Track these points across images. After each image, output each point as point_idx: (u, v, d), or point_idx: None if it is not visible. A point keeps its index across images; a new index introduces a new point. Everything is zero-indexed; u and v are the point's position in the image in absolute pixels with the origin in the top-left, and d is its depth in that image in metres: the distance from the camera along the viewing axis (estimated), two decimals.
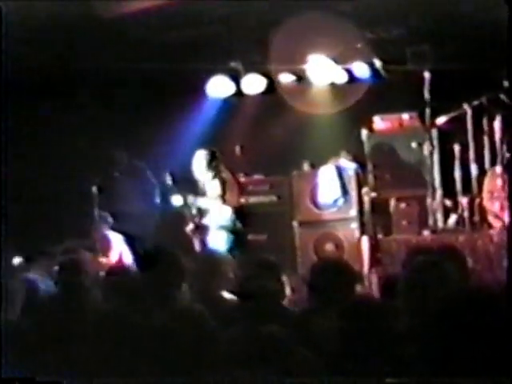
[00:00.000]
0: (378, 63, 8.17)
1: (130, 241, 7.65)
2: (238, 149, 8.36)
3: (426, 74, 7.73)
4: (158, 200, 8.44)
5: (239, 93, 8.73)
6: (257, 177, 8.67)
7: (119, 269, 5.51)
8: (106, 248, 7.59)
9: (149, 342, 3.16)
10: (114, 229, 7.76)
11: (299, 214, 8.40)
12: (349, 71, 8.37)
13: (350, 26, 7.31)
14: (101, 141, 8.45)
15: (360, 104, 8.19)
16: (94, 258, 6.98)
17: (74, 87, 8.33)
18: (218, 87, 8.70)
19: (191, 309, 3.30)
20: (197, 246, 7.48)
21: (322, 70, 8.39)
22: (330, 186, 8.25)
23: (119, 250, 7.58)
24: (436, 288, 3.17)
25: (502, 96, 7.38)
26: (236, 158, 8.30)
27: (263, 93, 8.62)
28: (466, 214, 7.62)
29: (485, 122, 7.64)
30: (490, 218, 7.47)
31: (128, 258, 7.35)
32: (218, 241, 7.37)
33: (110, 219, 7.85)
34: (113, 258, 7.47)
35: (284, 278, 4.49)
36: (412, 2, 7.28)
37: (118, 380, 3.06)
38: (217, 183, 7.58)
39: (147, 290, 4.25)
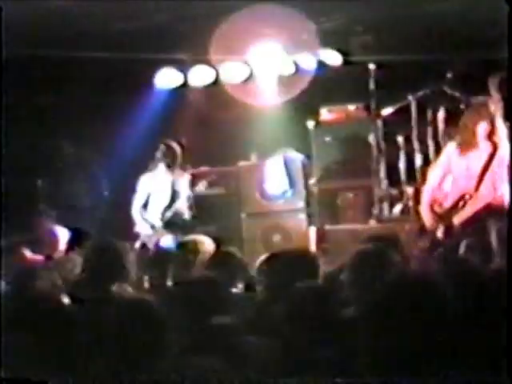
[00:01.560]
0: (323, 54, 8.22)
1: (76, 235, 7.58)
2: (184, 140, 8.34)
3: (371, 66, 7.83)
4: (105, 193, 8.39)
5: (187, 84, 8.71)
6: (204, 168, 8.68)
7: (65, 263, 5.47)
8: (51, 243, 7.51)
9: (96, 335, 3.16)
10: (60, 223, 7.67)
11: (247, 205, 8.44)
12: (295, 62, 8.41)
13: (297, 17, 7.35)
14: (47, 133, 8.35)
15: (306, 95, 8.25)
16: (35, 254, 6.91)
17: (19, 78, 8.21)
18: (166, 79, 8.67)
19: (139, 300, 3.30)
20: (150, 244, 7.43)
21: (269, 61, 8.42)
22: (278, 178, 8.30)
23: (65, 245, 7.51)
24: (380, 276, 3.24)
25: (446, 88, 7.52)
26: (183, 149, 8.29)
27: (211, 84, 8.61)
28: (410, 203, 7.75)
29: (429, 113, 7.78)
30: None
31: (73, 252, 7.28)
32: (168, 238, 7.34)
33: (55, 213, 7.76)
34: (59, 252, 7.40)
35: (235, 269, 4.52)
36: None
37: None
38: (169, 176, 7.56)
39: (92, 284, 4.24)
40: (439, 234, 6.03)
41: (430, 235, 6.06)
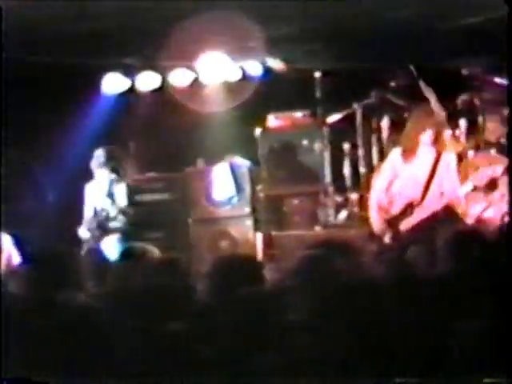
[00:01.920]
0: (270, 61, 8.28)
1: (19, 242, 7.47)
2: (131, 146, 8.31)
3: (317, 74, 7.93)
4: (49, 199, 8.29)
5: (134, 90, 8.67)
6: (150, 174, 8.65)
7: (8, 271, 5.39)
8: None
9: (44, 343, 3.14)
10: (2, 230, 7.55)
11: (194, 211, 8.44)
12: (242, 69, 8.44)
13: (245, 25, 7.38)
14: None
15: (254, 102, 8.29)
16: None
17: None
18: (113, 84, 8.62)
19: (86, 308, 3.29)
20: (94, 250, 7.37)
21: (216, 68, 8.44)
22: (224, 184, 8.32)
23: (8, 252, 7.39)
24: (325, 281, 3.29)
25: (390, 96, 7.65)
26: (130, 155, 8.26)
27: (158, 90, 8.58)
28: (355, 209, 7.86)
29: (373, 121, 7.90)
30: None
31: (16, 260, 7.18)
32: (111, 246, 7.29)
33: None
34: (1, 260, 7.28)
35: (180, 276, 4.51)
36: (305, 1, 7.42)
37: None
38: (111, 182, 7.52)
39: (37, 291, 4.19)
40: (387, 239, 6.12)
41: (377, 241, 6.15)
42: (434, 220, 5.97)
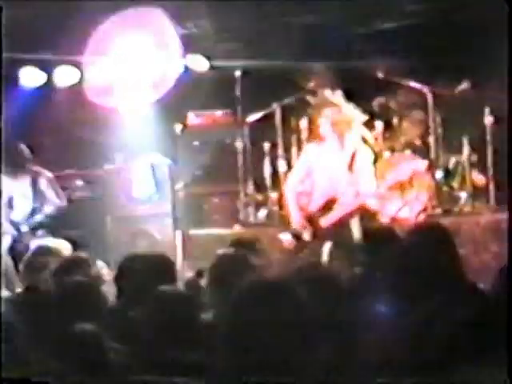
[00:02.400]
0: (190, 59, 8.25)
1: None
2: (49, 142, 8.16)
3: (237, 73, 7.95)
4: None
5: (51, 84, 8.51)
6: (69, 171, 8.50)
7: None
8: None
9: None
10: None
11: (112, 209, 8.34)
12: (162, 66, 8.37)
13: (164, 22, 7.35)
14: None
15: (174, 100, 8.25)
16: None
17: None
18: (29, 78, 8.44)
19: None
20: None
21: (136, 65, 8.35)
22: (144, 182, 8.25)
23: None
24: (239, 279, 3.30)
25: (308, 97, 7.74)
26: (47, 151, 8.10)
27: (76, 85, 8.44)
28: (275, 208, 7.92)
29: (293, 120, 7.98)
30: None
31: None
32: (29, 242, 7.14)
33: None
34: None
35: (99, 274, 4.46)
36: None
37: None
38: (27, 178, 7.37)
39: None
40: (306, 236, 6.18)
41: (296, 237, 6.20)
42: (350, 218, 6.06)
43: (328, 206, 6.14)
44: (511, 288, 3.18)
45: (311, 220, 6.21)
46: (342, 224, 6.06)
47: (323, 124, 6.25)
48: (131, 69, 8.34)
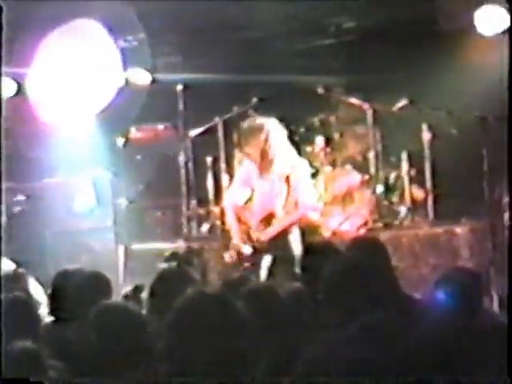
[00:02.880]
0: (132, 73, 8.21)
1: None
2: None
3: (179, 86, 7.95)
4: None
5: None
6: (8, 185, 8.37)
7: None
8: None
9: None
10: None
11: (53, 223, 8.23)
12: (103, 80, 8.30)
13: (105, 34, 7.32)
14: None
15: (116, 114, 8.21)
16: None
17: None
18: None
19: None
20: None
21: (75, 77, 8.27)
22: (85, 196, 8.18)
23: None
24: (178, 294, 3.29)
25: (251, 111, 7.78)
26: None
27: (14, 97, 8.32)
28: (217, 222, 7.92)
29: (235, 135, 8.01)
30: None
31: None
32: None
33: None
34: None
35: (38, 290, 4.39)
36: (165, 13, 7.44)
37: None
38: None
39: None
40: (246, 250, 6.19)
41: (236, 251, 6.21)
42: (290, 232, 6.10)
43: (267, 220, 6.17)
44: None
45: (252, 234, 6.24)
46: (282, 238, 6.10)
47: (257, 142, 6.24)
48: (71, 82, 8.26)
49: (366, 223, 7.62)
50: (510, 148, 5.38)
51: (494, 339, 2.87)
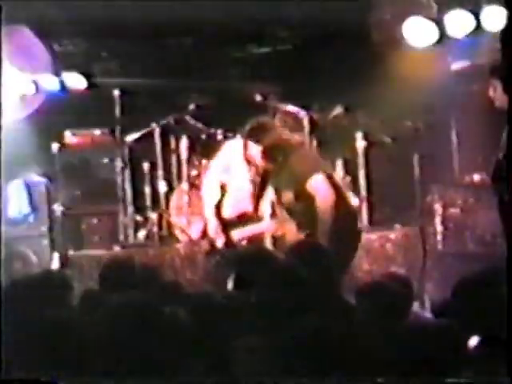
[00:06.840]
0: (67, 77, 8.13)
1: None
2: None
3: (116, 92, 7.92)
4: None
5: None
6: None
7: None
8: None
9: None
10: None
11: None
12: (36, 83, 8.18)
13: (37, 39, 7.25)
14: None
15: (50, 118, 8.12)
16: None
17: None
18: None
19: None
20: None
21: (6, 80, 8.14)
22: (19, 202, 8.06)
23: None
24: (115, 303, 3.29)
25: (188, 118, 7.80)
26: None
27: None
28: (155, 228, 7.91)
29: (172, 141, 8.01)
30: (177, 233, 7.84)
31: None
32: None
33: None
34: None
35: None
36: (101, 18, 7.40)
37: None
38: None
39: None
40: (219, 243, 6.21)
41: (209, 242, 6.22)
42: (263, 234, 6.13)
43: (243, 219, 6.19)
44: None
45: (227, 228, 6.25)
46: (257, 238, 6.13)
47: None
48: (3, 85, 8.12)
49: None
50: (509, 148, 5.42)
51: (423, 341, 2.95)
